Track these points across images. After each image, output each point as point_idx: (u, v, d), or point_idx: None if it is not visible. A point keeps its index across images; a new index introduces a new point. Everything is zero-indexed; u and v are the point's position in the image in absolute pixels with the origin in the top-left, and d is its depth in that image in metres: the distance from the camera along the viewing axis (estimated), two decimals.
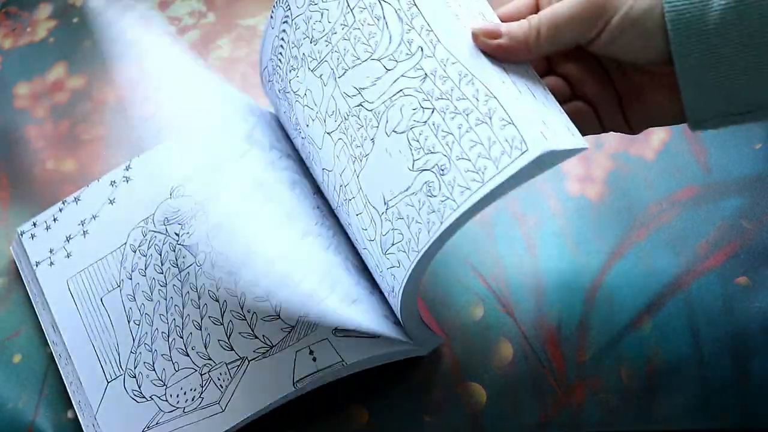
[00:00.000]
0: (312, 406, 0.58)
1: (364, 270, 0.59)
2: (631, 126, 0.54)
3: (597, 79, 0.54)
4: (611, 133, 0.57)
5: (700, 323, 0.59)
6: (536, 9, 0.53)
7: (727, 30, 0.47)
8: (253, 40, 0.75)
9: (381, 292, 0.58)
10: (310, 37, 0.57)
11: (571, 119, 0.51)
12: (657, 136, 0.66)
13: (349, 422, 0.58)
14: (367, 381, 0.58)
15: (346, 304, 0.56)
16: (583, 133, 0.53)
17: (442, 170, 0.50)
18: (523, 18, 0.52)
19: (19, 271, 0.64)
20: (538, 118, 0.47)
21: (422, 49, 0.51)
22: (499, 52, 0.50)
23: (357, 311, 0.56)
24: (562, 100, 0.54)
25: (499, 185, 0.47)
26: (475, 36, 0.50)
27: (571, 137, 0.48)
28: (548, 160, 0.46)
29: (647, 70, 0.52)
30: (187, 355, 0.57)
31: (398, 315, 0.55)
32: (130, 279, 0.61)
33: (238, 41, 0.75)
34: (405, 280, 0.52)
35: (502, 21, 0.53)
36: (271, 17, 0.60)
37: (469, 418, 0.58)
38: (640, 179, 0.65)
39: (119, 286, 0.61)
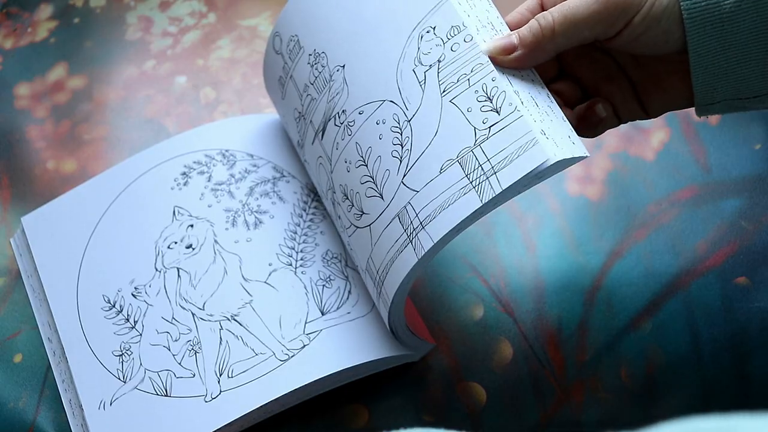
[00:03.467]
0: (312, 406, 0.58)
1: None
2: (648, 112, 0.55)
3: (610, 76, 0.54)
4: (611, 133, 0.57)
5: (699, 323, 0.59)
6: (540, 8, 0.53)
7: (742, 18, 0.48)
8: (254, 41, 0.75)
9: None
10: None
11: (587, 119, 0.52)
12: (656, 136, 0.66)
13: (349, 422, 0.58)
14: (367, 381, 0.58)
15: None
16: (602, 129, 0.54)
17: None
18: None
19: (19, 268, 0.64)
20: (537, 128, 0.47)
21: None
22: (517, 64, 0.50)
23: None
24: (576, 102, 0.54)
25: (500, 193, 0.48)
26: (492, 58, 0.50)
27: (572, 145, 0.48)
28: (549, 169, 0.47)
29: (663, 58, 0.52)
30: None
31: (385, 322, 0.55)
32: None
33: (238, 42, 0.75)
34: (397, 287, 0.52)
35: (510, 28, 0.53)
36: None
37: (469, 418, 0.58)
38: (639, 179, 0.65)
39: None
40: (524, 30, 0.50)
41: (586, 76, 0.55)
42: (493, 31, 0.51)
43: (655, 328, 0.59)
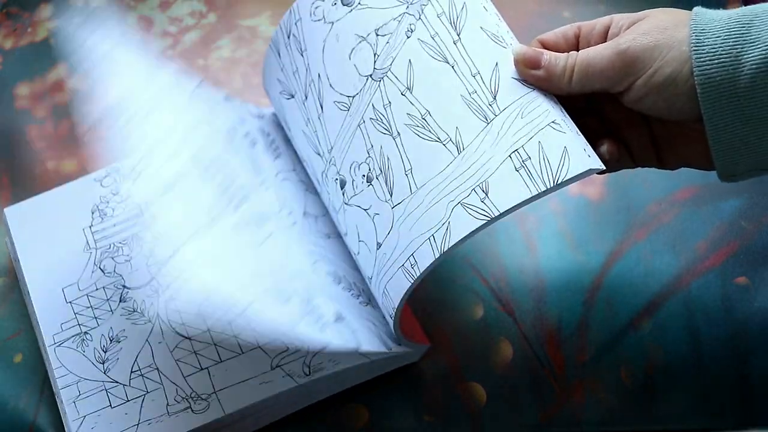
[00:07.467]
0: (312, 406, 0.58)
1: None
2: (664, 164, 0.55)
3: (633, 123, 0.54)
4: None
5: (699, 323, 0.59)
6: (576, 40, 0.53)
7: (758, 93, 0.47)
8: (254, 41, 0.75)
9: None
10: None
11: (605, 155, 0.52)
12: None
13: (349, 422, 0.58)
14: (367, 381, 0.58)
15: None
16: (615, 168, 0.54)
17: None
18: (561, 49, 0.52)
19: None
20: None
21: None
22: (531, 81, 0.50)
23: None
24: (596, 137, 0.54)
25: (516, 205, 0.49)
26: (517, 62, 0.50)
27: (588, 158, 0.48)
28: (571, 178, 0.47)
29: (680, 122, 0.52)
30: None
31: (391, 325, 0.55)
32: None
33: (238, 41, 0.75)
34: (409, 287, 0.52)
35: (544, 47, 0.53)
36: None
37: (469, 418, 0.58)
38: (639, 179, 0.65)
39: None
40: (554, 59, 0.50)
41: (611, 116, 0.55)
42: (503, 44, 0.51)
43: (655, 328, 0.59)
